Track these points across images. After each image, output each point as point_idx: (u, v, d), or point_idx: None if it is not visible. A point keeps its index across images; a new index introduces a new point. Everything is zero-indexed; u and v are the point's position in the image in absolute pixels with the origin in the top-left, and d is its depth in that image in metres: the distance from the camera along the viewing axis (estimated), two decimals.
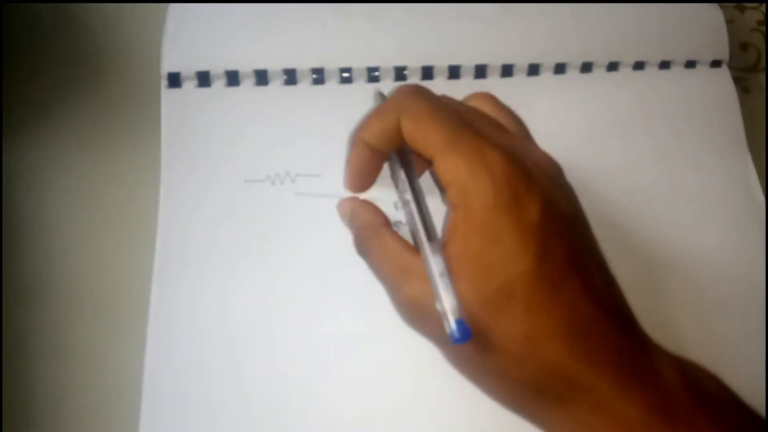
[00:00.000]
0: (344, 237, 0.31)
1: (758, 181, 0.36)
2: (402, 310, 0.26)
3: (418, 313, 0.25)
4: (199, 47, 0.35)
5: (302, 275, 0.31)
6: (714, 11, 0.38)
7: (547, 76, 0.37)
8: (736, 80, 0.38)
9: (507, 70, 0.36)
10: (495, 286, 0.23)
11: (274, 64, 0.35)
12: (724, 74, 0.38)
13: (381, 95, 0.32)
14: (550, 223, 0.24)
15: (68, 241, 0.33)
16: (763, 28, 0.44)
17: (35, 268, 0.33)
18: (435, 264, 0.24)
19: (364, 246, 0.29)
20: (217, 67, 0.35)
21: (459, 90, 0.36)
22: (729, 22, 0.39)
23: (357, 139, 0.29)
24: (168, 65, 0.34)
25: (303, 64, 0.35)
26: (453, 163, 0.25)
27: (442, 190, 0.26)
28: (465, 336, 0.23)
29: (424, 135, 0.26)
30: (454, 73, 0.36)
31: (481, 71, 0.36)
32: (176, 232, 0.32)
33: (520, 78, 0.36)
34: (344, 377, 0.30)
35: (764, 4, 0.45)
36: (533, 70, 0.36)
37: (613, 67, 0.37)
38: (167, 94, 0.34)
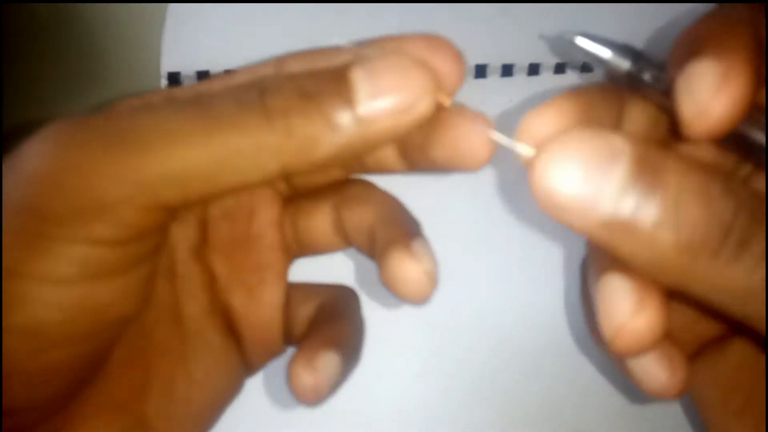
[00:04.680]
0: None
1: None
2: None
3: None
4: (199, 47, 0.35)
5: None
6: None
7: (547, 76, 0.37)
8: None
9: (507, 70, 0.36)
10: None
11: None
12: None
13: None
14: None
15: None
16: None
17: None
18: None
19: (656, 167, 0.14)
20: (217, 66, 0.35)
21: (459, 90, 0.36)
22: None
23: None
24: (168, 65, 0.34)
25: None
26: None
27: None
28: None
29: None
30: None
31: (481, 71, 0.36)
32: None
33: (520, 78, 0.36)
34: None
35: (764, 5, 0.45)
36: (533, 69, 0.36)
37: None
38: None
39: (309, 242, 0.23)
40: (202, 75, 0.34)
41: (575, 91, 0.19)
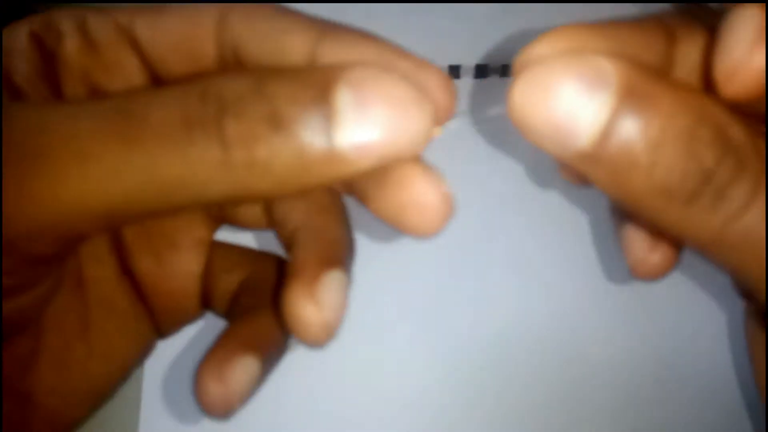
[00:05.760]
0: None
1: None
2: None
3: None
4: None
5: None
6: None
7: None
8: None
9: (507, 70, 0.36)
10: None
11: None
12: None
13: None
14: None
15: None
16: None
17: None
18: None
19: (644, 101, 0.13)
20: None
21: (459, 90, 0.36)
22: None
23: None
24: None
25: None
26: None
27: None
28: None
29: None
30: (454, 73, 0.36)
31: (481, 71, 0.36)
32: None
33: None
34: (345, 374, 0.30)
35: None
36: None
37: None
38: None
39: (236, 215, 0.19)
40: None
41: (601, 24, 0.16)
